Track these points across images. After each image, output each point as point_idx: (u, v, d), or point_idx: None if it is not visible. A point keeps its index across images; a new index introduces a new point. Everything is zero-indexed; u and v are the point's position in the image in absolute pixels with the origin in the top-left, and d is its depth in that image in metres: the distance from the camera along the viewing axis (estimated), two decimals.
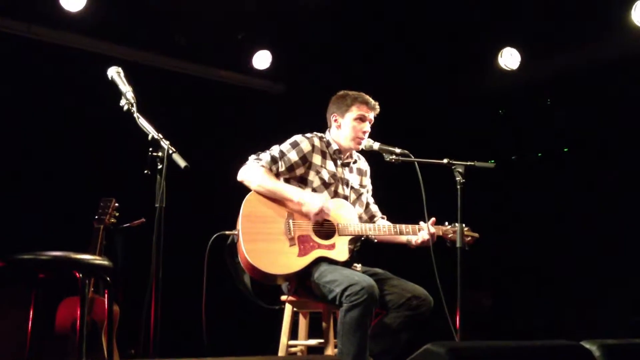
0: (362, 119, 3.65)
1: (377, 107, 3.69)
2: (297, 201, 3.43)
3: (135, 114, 2.67)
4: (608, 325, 5.32)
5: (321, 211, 3.42)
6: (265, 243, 3.37)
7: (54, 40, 5.19)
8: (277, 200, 3.48)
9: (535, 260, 6.05)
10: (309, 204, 3.42)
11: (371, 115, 3.68)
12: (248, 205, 3.45)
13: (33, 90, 4.93)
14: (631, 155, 5.55)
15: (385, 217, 3.84)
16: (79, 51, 5.25)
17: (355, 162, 3.79)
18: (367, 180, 3.84)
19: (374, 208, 3.85)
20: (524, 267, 6.12)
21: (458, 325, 3.26)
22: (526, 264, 6.11)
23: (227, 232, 3.45)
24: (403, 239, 3.64)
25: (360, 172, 3.81)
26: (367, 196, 3.83)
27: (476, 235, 3.60)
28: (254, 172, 3.48)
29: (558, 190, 6.04)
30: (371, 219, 3.80)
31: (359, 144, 3.64)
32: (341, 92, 3.74)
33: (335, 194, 3.61)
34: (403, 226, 3.57)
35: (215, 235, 3.41)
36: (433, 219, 3.52)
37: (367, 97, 3.69)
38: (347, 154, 3.74)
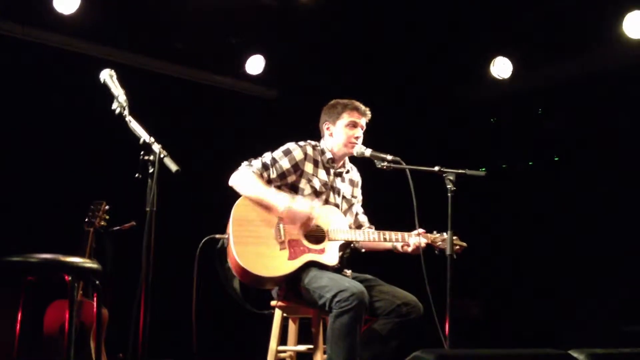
0: (353, 124, 3.67)
1: (368, 112, 3.71)
2: (282, 211, 3.42)
3: (127, 117, 2.66)
4: (597, 334, 5.33)
5: (309, 219, 3.42)
6: (256, 246, 3.37)
7: (47, 42, 5.18)
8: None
9: (525, 268, 6.07)
10: (294, 214, 3.41)
11: (362, 122, 3.70)
12: (238, 209, 3.45)
13: (25, 92, 4.91)
14: (622, 164, 5.58)
15: (373, 227, 3.84)
16: (71, 53, 5.25)
17: (347, 172, 3.80)
18: (358, 191, 3.86)
19: (362, 218, 3.86)
20: (513, 276, 6.13)
21: (447, 333, 3.26)
22: (515, 272, 6.13)
23: (217, 236, 3.45)
24: (388, 244, 3.65)
25: (352, 183, 3.82)
26: (357, 206, 3.85)
27: (464, 244, 3.61)
28: (244, 178, 3.49)
29: (548, 199, 6.06)
30: (359, 228, 3.81)
31: (353, 147, 3.66)
32: (332, 102, 3.77)
33: (326, 203, 3.62)
34: (392, 234, 3.57)
35: (205, 239, 3.41)
36: (421, 230, 3.53)
37: (358, 103, 3.71)
38: (341, 162, 3.75)
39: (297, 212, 3.42)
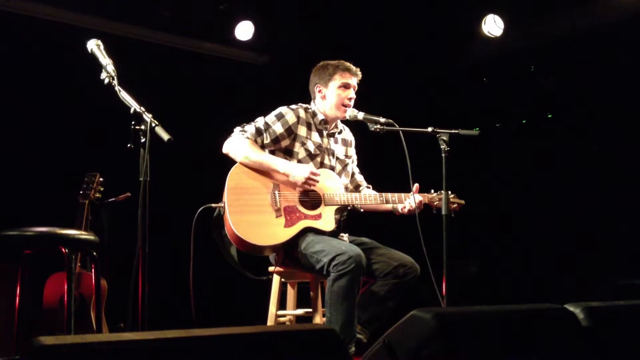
0: (346, 86, 3.65)
1: (359, 73, 3.69)
2: (283, 172, 3.44)
3: (117, 87, 2.64)
4: (593, 288, 5.39)
5: (308, 179, 3.42)
6: (252, 215, 3.38)
7: (33, 14, 5.10)
8: (262, 171, 3.48)
9: (520, 225, 6.11)
10: (295, 173, 3.42)
11: (354, 82, 3.68)
12: (233, 177, 3.45)
13: (12, 65, 4.85)
14: (617, 120, 5.57)
15: (370, 186, 3.85)
16: (58, 24, 5.17)
17: (340, 132, 3.79)
18: (352, 151, 3.85)
19: (359, 178, 3.86)
20: (510, 233, 6.17)
21: (444, 292, 3.29)
22: (511, 230, 6.16)
23: (213, 205, 3.45)
24: (388, 206, 3.66)
25: (345, 143, 3.81)
26: (352, 166, 3.85)
27: (462, 202, 3.63)
28: (239, 144, 3.48)
29: (543, 156, 6.07)
30: (357, 188, 3.82)
31: (345, 112, 3.64)
32: (321, 63, 3.74)
33: (321, 165, 3.62)
34: (389, 195, 3.58)
35: (201, 208, 3.41)
36: (417, 185, 3.53)
37: (348, 64, 3.68)
38: (333, 124, 3.73)
39: (296, 172, 3.41)
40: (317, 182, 3.46)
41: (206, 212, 3.44)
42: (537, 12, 5.65)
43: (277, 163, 3.46)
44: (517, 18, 5.74)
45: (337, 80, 3.65)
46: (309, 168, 3.45)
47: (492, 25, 5.79)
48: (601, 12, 5.47)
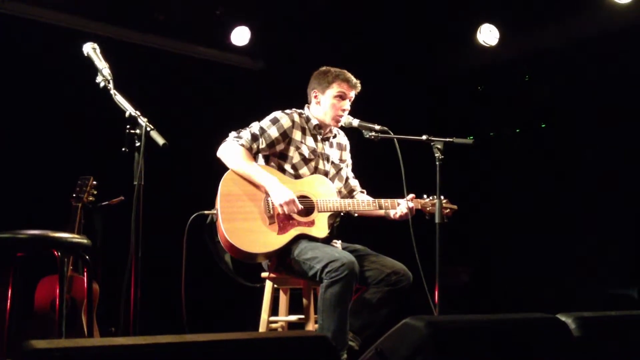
0: (342, 96, 3.64)
1: (359, 85, 3.68)
2: (266, 190, 3.41)
3: (112, 91, 2.63)
4: (585, 298, 5.40)
5: (287, 205, 3.38)
6: (245, 222, 3.37)
7: (29, 16, 5.10)
8: None
9: (513, 234, 6.12)
10: (276, 197, 3.38)
11: (351, 94, 3.67)
12: (226, 184, 3.44)
13: (7, 67, 4.84)
14: (609, 127, 5.59)
15: (364, 191, 3.85)
16: (54, 27, 5.17)
17: (335, 136, 3.79)
18: (346, 155, 3.85)
19: (354, 182, 3.86)
20: (502, 242, 6.18)
21: (437, 300, 3.30)
22: (504, 238, 6.17)
23: (206, 212, 3.44)
24: (381, 211, 3.66)
25: (340, 147, 3.81)
26: (347, 170, 3.84)
27: (454, 207, 3.64)
28: (232, 152, 3.46)
29: (536, 166, 6.08)
30: (350, 193, 3.82)
31: (338, 121, 3.64)
32: (323, 68, 3.72)
33: (316, 170, 3.62)
34: (382, 201, 3.59)
35: (193, 215, 3.40)
36: (412, 195, 3.53)
37: (349, 75, 3.67)
38: (327, 129, 3.73)
39: (278, 194, 3.38)
40: (295, 212, 3.40)
41: (198, 219, 3.43)
42: (532, 21, 5.67)
43: (263, 180, 3.41)
44: (513, 28, 5.77)
45: (335, 89, 3.64)
46: (291, 195, 3.39)
47: (488, 35, 5.81)
48: (595, 22, 5.50)
